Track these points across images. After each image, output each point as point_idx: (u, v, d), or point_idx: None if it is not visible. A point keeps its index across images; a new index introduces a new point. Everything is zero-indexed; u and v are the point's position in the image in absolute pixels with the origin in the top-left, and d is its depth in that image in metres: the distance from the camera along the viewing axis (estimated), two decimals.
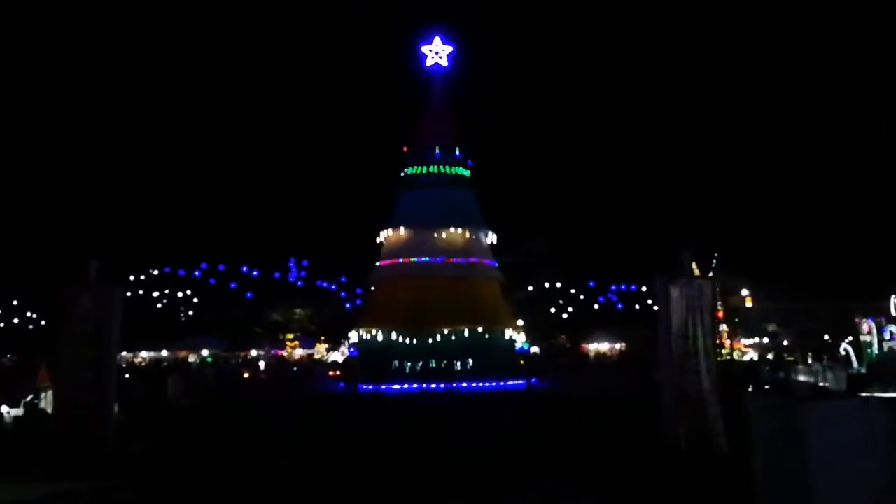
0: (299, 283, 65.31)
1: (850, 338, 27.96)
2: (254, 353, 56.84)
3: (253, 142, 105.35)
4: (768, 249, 60.50)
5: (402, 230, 34.81)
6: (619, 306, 71.29)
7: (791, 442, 3.91)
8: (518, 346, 35.69)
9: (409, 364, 31.50)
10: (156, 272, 66.31)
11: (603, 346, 64.06)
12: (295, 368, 48.80)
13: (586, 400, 23.21)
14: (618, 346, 62.34)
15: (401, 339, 32.36)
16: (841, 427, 3.81)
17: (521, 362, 34.32)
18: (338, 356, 49.13)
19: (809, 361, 24.20)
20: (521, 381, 32.54)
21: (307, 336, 60.43)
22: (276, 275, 64.66)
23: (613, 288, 72.04)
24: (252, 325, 60.49)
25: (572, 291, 71.25)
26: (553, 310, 68.90)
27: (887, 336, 25.90)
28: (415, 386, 29.98)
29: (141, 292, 63.97)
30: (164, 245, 66.02)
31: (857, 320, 27.72)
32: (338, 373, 38.80)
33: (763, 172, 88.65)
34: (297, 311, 62.33)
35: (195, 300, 67.32)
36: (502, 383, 31.36)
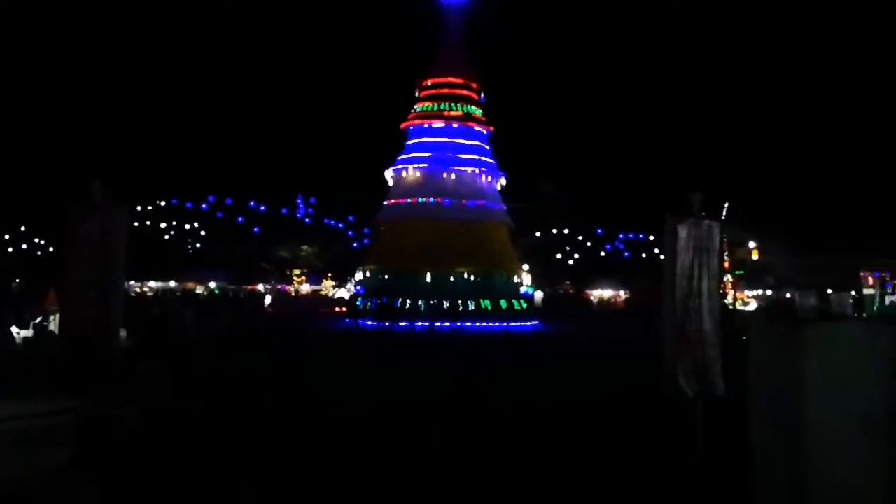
0: (307, 221, 65.30)
1: (854, 292, 27.96)
2: (260, 287, 57.42)
3: (266, 77, 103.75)
4: (778, 205, 59.89)
5: (410, 169, 34.52)
6: (626, 255, 71.23)
7: (791, 365, 3.89)
8: (523, 290, 35.89)
9: (413, 303, 31.75)
10: (163, 203, 66.35)
11: (607, 294, 64.31)
12: (300, 303, 49.31)
13: (590, 344, 23.50)
14: (622, 293, 62.56)
15: (407, 279, 32.53)
16: (844, 349, 3.81)
17: (525, 305, 34.57)
18: (344, 293, 49.56)
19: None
20: (526, 324, 32.85)
21: (314, 273, 60.89)
22: (284, 211, 64.62)
23: (621, 236, 71.90)
24: (259, 260, 60.93)
25: (580, 238, 71.10)
26: (559, 256, 68.90)
27: (889, 290, 25.94)
28: (419, 324, 30.24)
29: (148, 223, 64.25)
30: (171, 176, 66.01)
31: (862, 274, 27.68)
32: (344, 309, 39.22)
33: (776, 129, 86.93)
34: (305, 248, 62.65)
35: (202, 233, 67.61)
36: (507, 325, 31.66)
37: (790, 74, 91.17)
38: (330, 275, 59.94)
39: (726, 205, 42.94)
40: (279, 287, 57.12)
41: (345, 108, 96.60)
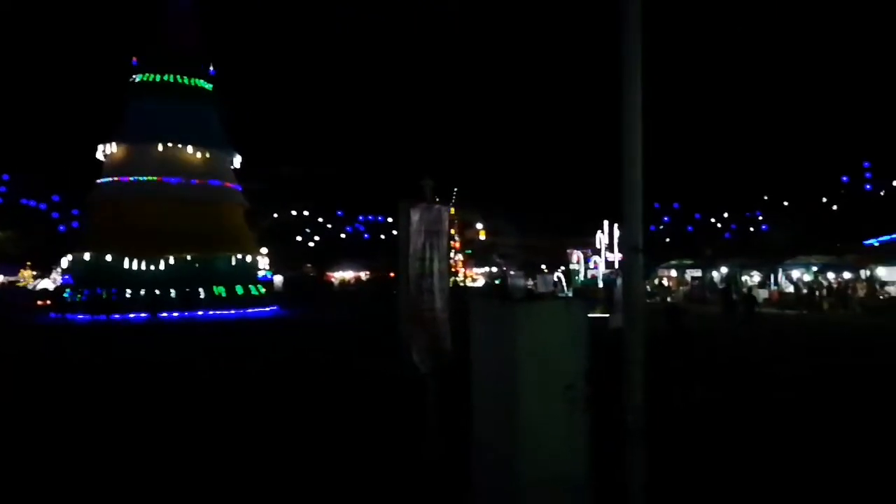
0: None
1: (563, 267, 31.84)
2: None
3: None
4: (502, 190, 65.80)
5: (129, 145, 31.10)
6: (366, 236, 72.67)
7: (504, 340, 4.22)
8: (261, 274, 34.61)
9: (135, 292, 28.81)
10: None
11: (348, 275, 65.36)
12: None
13: (330, 325, 23.42)
14: (362, 274, 64.03)
15: (127, 265, 29.38)
16: (547, 326, 4.21)
17: (263, 290, 33.39)
18: (48, 284, 43.25)
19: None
20: (264, 310, 31.78)
21: (8, 261, 52.20)
22: None
23: (361, 218, 73.01)
24: None
25: (320, 220, 70.77)
26: (300, 238, 68.01)
27: (591, 265, 30.09)
28: (143, 315, 27.63)
29: None
30: None
31: (568, 251, 31.65)
32: (48, 302, 34.22)
33: (499, 119, 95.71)
34: None
35: None
36: (244, 311, 30.36)
37: (515, 69, 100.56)
38: (29, 263, 52.03)
39: (455, 189, 45.86)
40: None
41: (50, 72, 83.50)
